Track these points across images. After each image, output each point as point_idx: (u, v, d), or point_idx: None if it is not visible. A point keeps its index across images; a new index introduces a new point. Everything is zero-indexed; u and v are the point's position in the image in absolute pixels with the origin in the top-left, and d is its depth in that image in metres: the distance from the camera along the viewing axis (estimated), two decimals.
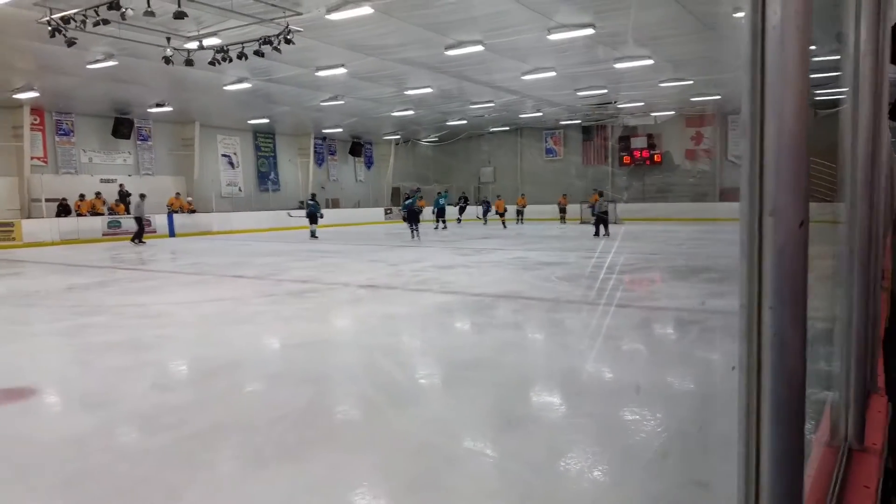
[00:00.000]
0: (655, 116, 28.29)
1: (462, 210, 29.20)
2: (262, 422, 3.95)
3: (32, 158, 20.88)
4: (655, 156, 29.38)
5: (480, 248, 16.15)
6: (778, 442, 0.91)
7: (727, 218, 24.06)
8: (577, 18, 13.28)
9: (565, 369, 5.11)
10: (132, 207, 20.13)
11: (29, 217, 20.25)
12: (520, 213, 28.32)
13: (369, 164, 35.72)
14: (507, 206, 26.82)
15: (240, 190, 28.47)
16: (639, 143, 29.68)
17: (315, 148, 31.35)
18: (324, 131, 30.72)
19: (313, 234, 21.00)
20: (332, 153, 33.30)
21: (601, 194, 21.25)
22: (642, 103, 25.50)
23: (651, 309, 7.68)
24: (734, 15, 12.82)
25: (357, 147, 34.03)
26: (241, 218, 25.23)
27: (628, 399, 4.32)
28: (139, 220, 19.84)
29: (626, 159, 30.03)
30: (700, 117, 28.03)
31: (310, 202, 22.18)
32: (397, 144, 35.56)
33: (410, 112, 25.63)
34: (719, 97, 24.31)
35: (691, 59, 17.39)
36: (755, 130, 0.88)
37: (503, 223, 25.89)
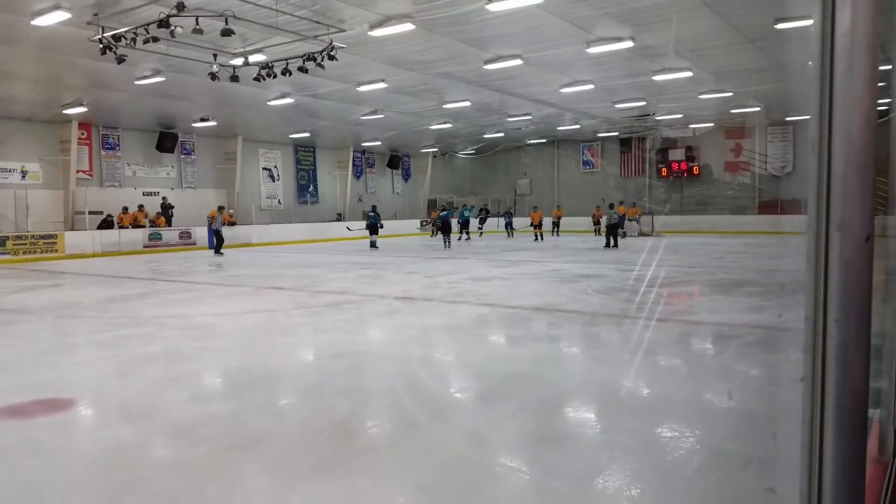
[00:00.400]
0: (694, 128, 27.87)
1: (483, 221, 28.98)
2: (301, 434, 3.97)
3: (78, 172, 21.57)
4: (694, 168, 28.92)
5: (516, 260, 16.07)
6: (841, 452, 0.94)
7: (767, 231, 23.51)
8: (617, 32, 13.19)
9: (604, 384, 5.02)
10: (215, 220, 20.79)
11: (72, 229, 20.88)
12: (556, 224, 28.07)
13: (406, 176, 36.00)
14: (543, 218, 26.51)
15: (279, 202, 28.98)
16: (677, 155, 29.26)
17: (354, 161, 31.77)
18: (363, 144, 31.11)
19: (373, 245, 21.70)
20: (371, 166, 33.69)
21: (611, 206, 22.05)
22: (681, 115, 25.15)
23: (691, 323, 7.51)
24: (776, 26, 12.56)
25: (395, 160, 34.37)
26: (280, 230, 25.64)
27: (667, 415, 4.22)
28: (218, 232, 20.61)
29: (665, 171, 29.62)
30: (740, 129, 27.51)
31: (371, 214, 22.82)
32: (435, 157, 35.77)
33: (448, 125, 25.77)
34: (759, 109, 23.81)
35: (732, 71, 17.10)
36: (823, 148, 0.91)
37: (538, 235, 25.56)
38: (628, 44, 13.73)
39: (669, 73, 16.90)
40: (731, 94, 20.16)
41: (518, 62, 15.25)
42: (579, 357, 6.23)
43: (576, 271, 13.03)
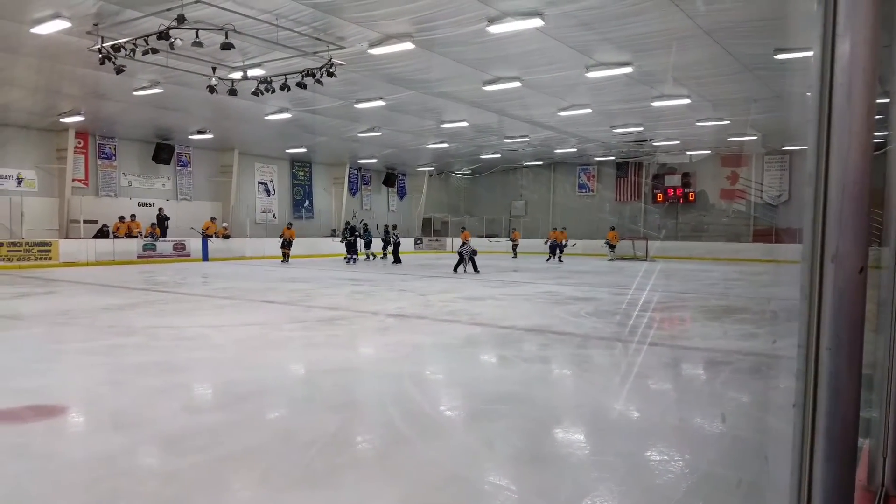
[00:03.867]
0: (691, 155, 28.12)
1: (368, 244, 25.44)
2: (291, 447, 3.94)
3: (74, 180, 21.59)
4: (690, 194, 29.16)
5: (510, 280, 16.09)
6: (830, 478, 0.95)
7: (762, 259, 23.64)
8: (616, 57, 13.37)
9: (594, 406, 5.02)
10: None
11: (67, 237, 20.83)
12: (555, 248, 25.44)
13: (402, 194, 36.12)
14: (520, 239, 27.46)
15: (274, 217, 28.98)
16: (674, 181, 29.49)
17: (350, 177, 31.88)
18: (359, 161, 31.24)
19: (387, 258, 23.70)
20: (367, 183, 33.80)
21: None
22: (678, 141, 25.41)
23: (683, 348, 7.53)
24: (775, 56, 12.76)
25: (391, 177, 34.50)
26: (275, 244, 25.62)
27: (657, 438, 4.22)
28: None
29: (660, 197, 29.84)
30: (736, 157, 27.78)
31: (390, 229, 24.61)
32: (431, 176, 35.96)
33: (446, 145, 25.93)
34: (756, 137, 24.09)
35: (730, 99, 17.33)
36: (819, 179, 0.93)
37: (514, 254, 26.58)
38: (627, 69, 13.91)
39: (668, 100, 17.11)
40: (728, 122, 20.41)
41: (517, 84, 15.41)
42: (570, 379, 6.23)
43: (569, 294, 13.05)
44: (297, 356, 7.03)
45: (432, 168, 34.71)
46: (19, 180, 20.58)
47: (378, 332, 8.66)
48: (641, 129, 22.31)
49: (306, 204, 30.61)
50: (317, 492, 3.29)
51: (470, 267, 18.16)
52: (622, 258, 25.77)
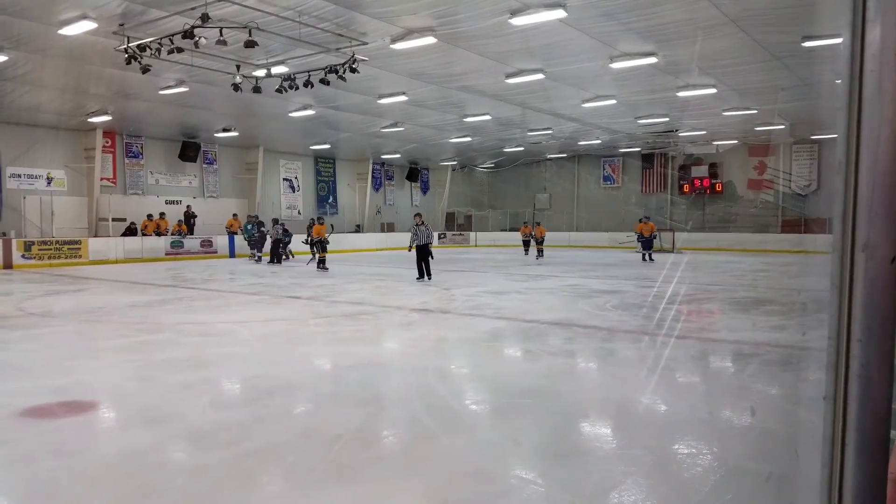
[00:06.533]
0: (717, 145, 27.67)
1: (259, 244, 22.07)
2: (317, 442, 3.98)
3: (102, 179, 22.01)
4: (717, 185, 28.71)
5: (535, 274, 16.02)
6: (862, 471, 0.93)
7: (790, 250, 23.19)
8: (641, 47, 13.19)
9: (620, 400, 4.98)
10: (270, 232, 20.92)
11: (96, 236, 21.26)
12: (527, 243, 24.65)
13: (425, 189, 36.17)
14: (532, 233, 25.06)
15: (299, 213, 29.22)
16: (700, 171, 29.07)
17: (373, 173, 32.01)
18: (382, 157, 31.35)
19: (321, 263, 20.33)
20: (390, 178, 33.92)
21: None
22: (704, 132, 25.02)
23: (710, 341, 7.43)
24: (803, 44, 12.48)
25: (414, 172, 34.56)
26: (299, 240, 25.85)
27: (685, 432, 4.17)
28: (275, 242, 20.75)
29: (687, 188, 29.43)
30: (764, 147, 27.27)
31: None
32: (454, 170, 35.92)
33: (468, 139, 25.88)
34: (784, 127, 23.61)
35: (757, 88, 17.00)
36: (850, 168, 0.91)
37: (536, 250, 23.69)
38: (652, 59, 13.72)
39: (693, 90, 16.85)
40: (755, 111, 20.04)
41: (540, 76, 15.30)
42: (596, 373, 6.19)
43: (594, 287, 12.96)
44: (323, 351, 7.10)
45: (455, 162, 34.67)
46: (49, 180, 21.05)
47: (402, 326, 8.69)
48: (667, 119, 22.01)
49: (330, 200, 30.83)
50: (343, 486, 3.31)
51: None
52: (660, 250, 24.53)
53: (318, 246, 17.88)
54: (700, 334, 7.92)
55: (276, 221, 21.43)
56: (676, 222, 28.41)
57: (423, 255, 14.13)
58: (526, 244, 24.35)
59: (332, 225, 19.54)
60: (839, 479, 0.94)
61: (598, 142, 27.59)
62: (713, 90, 16.81)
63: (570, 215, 33.73)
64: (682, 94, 17.25)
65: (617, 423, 4.48)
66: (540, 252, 23.19)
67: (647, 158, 30.56)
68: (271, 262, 20.56)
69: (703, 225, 28.75)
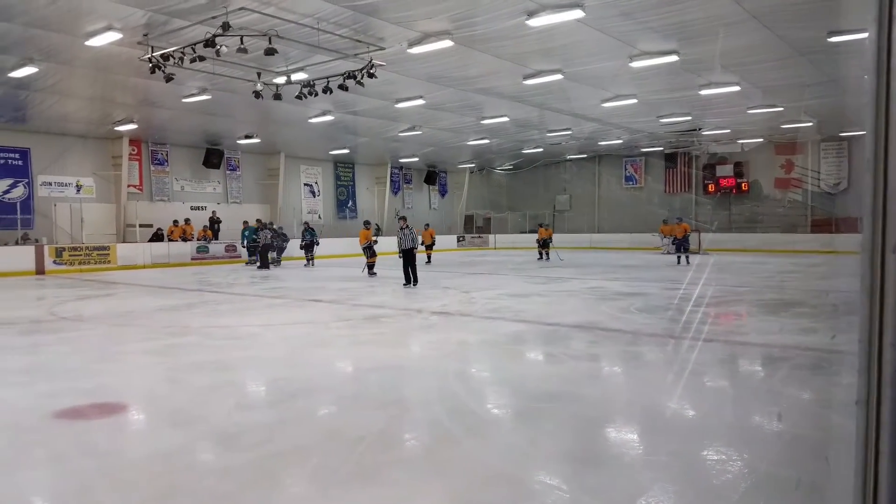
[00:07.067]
0: (742, 144, 27.26)
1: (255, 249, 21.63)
2: (340, 444, 4.00)
3: (129, 186, 22.40)
4: (743, 184, 28.29)
5: (556, 276, 15.93)
6: (895, 477, 0.91)
7: (820, 250, 22.75)
8: (661, 46, 13.06)
9: (646, 404, 4.92)
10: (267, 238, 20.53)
11: (124, 241, 21.66)
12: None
13: (443, 192, 36.20)
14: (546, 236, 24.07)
15: (319, 217, 29.45)
16: (725, 170, 28.67)
17: (391, 176, 32.13)
18: (400, 160, 31.46)
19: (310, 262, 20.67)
20: (408, 181, 34.02)
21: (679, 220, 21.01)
22: (728, 130, 24.68)
23: (738, 344, 7.31)
24: (829, 39, 12.25)
25: (432, 175, 34.61)
26: (320, 244, 26.01)
27: (714, 438, 4.10)
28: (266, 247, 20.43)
29: (712, 188, 29.04)
30: (791, 145, 26.81)
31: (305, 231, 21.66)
32: (472, 173, 35.88)
33: (486, 141, 25.85)
34: (811, 124, 23.19)
35: (782, 85, 16.72)
36: (879, 166, 0.88)
37: (544, 254, 23.17)
38: (673, 58, 13.58)
39: (716, 88, 16.64)
40: (781, 108, 19.72)
41: (558, 77, 15.23)
42: (620, 377, 6.12)
43: (617, 289, 12.84)
44: (345, 354, 7.13)
45: (473, 165, 34.63)
46: (78, 187, 21.48)
47: (422, 329, 8.70)
48: (690, 118, 21.75)
49: (350, 204, 31.02)
50: (366, 488, 3.32)
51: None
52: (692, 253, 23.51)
53: (367, 251, 16.75)
54: (727, 337, 7.81)
55: (264, 225, 20.98)
56: (701, 223, 28.04)
57: (409, 259, 13.76)
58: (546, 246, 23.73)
59: (378, 226, 18.71)
60: (873, 486, 0.92)
61: (620, 141, 27.37)
62: (736, 88, 16.58)
63: (592, 217, 33.50)
64: (704, 92, 17.04)
65: (643, 427, 4.42)
66: (545, 254, 23.04)
67: (670, 158, 30.22)
68: (260, 267, 20.18)
69: (730, 225, 28.34)
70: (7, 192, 19.81)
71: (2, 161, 19.72)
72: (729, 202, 28.91)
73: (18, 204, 19.91)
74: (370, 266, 16.65)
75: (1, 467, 3.73)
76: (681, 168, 30.07)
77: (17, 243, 19.16)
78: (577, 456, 3.79)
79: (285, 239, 21.27)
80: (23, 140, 19.98)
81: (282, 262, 21.32)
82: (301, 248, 21.34)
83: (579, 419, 4.51)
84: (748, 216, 28.09)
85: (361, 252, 17.10)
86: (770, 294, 11.90)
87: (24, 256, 18.33)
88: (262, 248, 20.36)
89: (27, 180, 20.19)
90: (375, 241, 17.23)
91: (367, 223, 17.89)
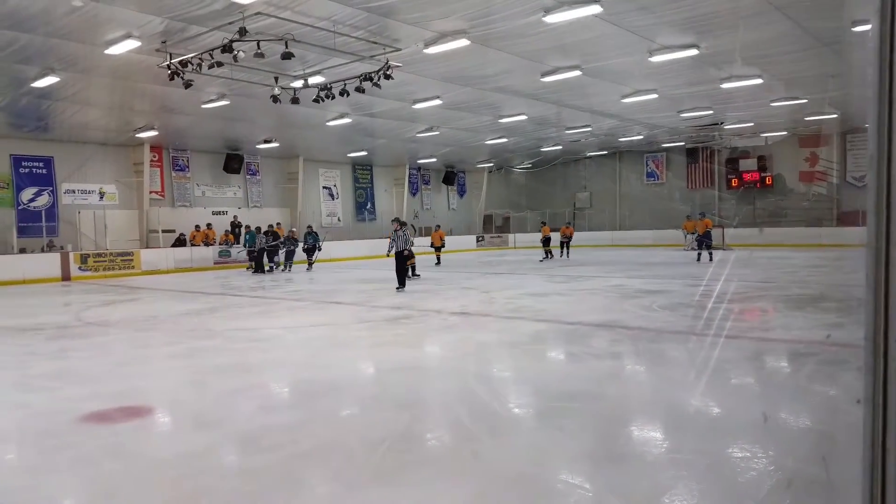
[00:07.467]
0: (766, 137, 26.84)
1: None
2: (362, 445, 4.00)
3: (151, 192, 22.75)
4: (766, 178, 27.87)
5: (576, 275, 15.83)
6: None
7: (846, 244, 22.32)
8: (681, 39, 12.92)
9: (669, 402, 4.85)
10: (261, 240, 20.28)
11: (147, 247, 21.98)
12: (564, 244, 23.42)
13: (462, 192, 36.17)
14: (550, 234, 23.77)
15: (339, 220, 29.62)
16: (748, 165, 28.26)
17: (410, 178, 32.19)
18: (418, 161, 31.51)
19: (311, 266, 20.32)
20: (426, 182, 34.05)
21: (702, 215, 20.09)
22: (751, 123, 24.33)
23: (763, 340, 7.19)
24: (853, 29, 12.00)
25: (450, 175, 34.60)
26: (340, 247, 26.16)
27: (738, 435, 4.03)
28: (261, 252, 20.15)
29: (735, 182, 28.65)
30: (815, 137, 26.34)
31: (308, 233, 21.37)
32: (490, 172, 35.80)
33: (504, 140, 25.78)
34: (836, 116, 22.76)
35: (805, 77, 16.44)
36: (882, 162, 0.85)
37: (564, 251, 23.09)
38: (693, 52, 13.42)
39: (738, 81, 16.42)
40: (804, 100, 19.38)
41: (577, 73, 15.13)
42: (643, 375, 6.05)
43: (639, 287, 12.71)
44: (365, 355, 7.15)
45: (491, 164, 34.55)
46: (101, 194, 21.86)
47: (443, 330, 8.69)
48: (711, 112, 21.47)
49: (368, 206, 31.14)
50: (389, 489, 3.32)
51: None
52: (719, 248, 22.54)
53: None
54: (752, 334, 7.68)
55: (258, 230, 20.59)
56: (724, 218, 27.67)
57: (402, 262, 13.50)
58: (562, 245, 23.26)
59: (413, 226, 17.19)
60: (881, 485, 0.88)
61: (640, 137, 27.12)
62: (759, 80, 16.33)
63: (613, 214, 33.24)
64: (725, 85, 16.82)
65: (666, 425, 4.36)
66: (548, 254, 22.76)
67: (691, 153, 29.88)
68: (255, 272, 19.87)
69: (754, 220, 27.94)
70: (32, 200, 20.23)
71: (26, 170, 20.14)
72: (752, 196, 28.51)
73: (43, 212, 20.33)
74: (412, 268, 15.69)
75: (31, 471, 3.80)
76: (703, 163, 29.71)
77: (42, 250, 19.54)
78: (600, 455, 3.75)
79: (294, 243, 21.08)
80: (46, 149, 20.38)
81: (292, 267, 20.81)
82: (304, 251, 21.22)
83: (601, 418, 4.46)
84: (772, 210, 27.68)
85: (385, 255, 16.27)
86: (796, 289, 11.69)
87: (50, 263, 18.68)
88: (259, 252, 20.13)
89: (51, 188, 20.60)
90: (412, 242, 16.34)
91: (403, 224, 17.07)
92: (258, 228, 20.85)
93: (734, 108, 20.88)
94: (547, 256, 22.74)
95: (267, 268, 20.26)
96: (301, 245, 21.08)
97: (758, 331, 7.97)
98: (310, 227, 22.86)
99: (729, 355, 6.36)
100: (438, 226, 24.87)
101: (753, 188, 28.31)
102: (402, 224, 13.91)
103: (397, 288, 13.26)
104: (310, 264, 20.51)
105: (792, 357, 6.41)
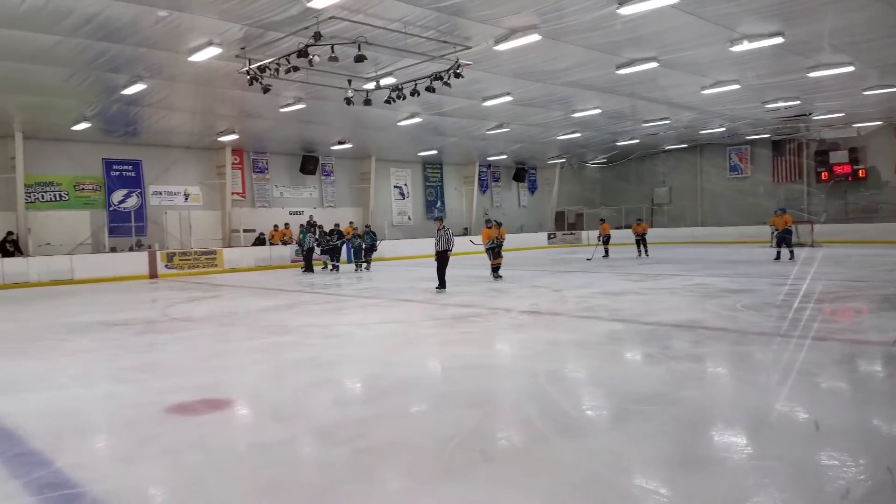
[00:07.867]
0: (858, 128, 25.16)
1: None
2: (431, 441, 4.02)
3: (233, 194, 23.77)
4: (859, 171, 26.13)
5: (654, 273, 15.35)
6: None
7: None
8: (764, 28, 12.28)
9: (752, 407, 4.61)
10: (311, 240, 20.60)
11: (229, 246, 22.99)
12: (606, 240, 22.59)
13: (533, 188, 35.78)
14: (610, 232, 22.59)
15: (409, 218, 29.98)
16: (839, 157, 26.58)
17: (479, 175, 32.13)
18: (488, 159, 31.39)
19: (368, 266, 20.33)
20: (496, 180, 33.88)
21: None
22: (842, 114, 22.86)
23: (855, 343, 6.74)
24: None
25: (521, 172, 34.29)
26: (410, 245, 26.42)
27: (826, 442, 3.80)
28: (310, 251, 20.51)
29: (825, 176, 27.01)
30: None
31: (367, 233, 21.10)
32: (562, 168, 35.19)
33: (577, 134, 25.32)
34: None
35: None
36: None
37: (644, 250, 21.94)
38: (777, 40, 12.73)
39: (826, 69, 15.46)
40: None
41: (653, 65, 14.65)
42: (724, 378, 5.79)
43: (722, 286, 12.20)
44: (435, 352, 7.19)
45: (564, 160, 33.96)
46: (186, 196, 23.03)
47: (512, 328, 8.62)
48: (798, 102, 20.31)
49: (438, 204, 31.33)
50: (458, 485, 3.32)
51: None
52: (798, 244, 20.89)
53: (490, 252, 15.46)
54: (843, 335, 7.22)
55: (312, 227, 20.45)
56: (812, 214, 26.14)
57: (442, 262, 13.27)
58: (637, 243, 22.25)
59: (498, 223, 16.53)
60: None
61: (722, 129, 26.00)
62: (850, 68, 15.31)
63: (694, 210, 32.02)
64: (813, 74, 15.87)
65: (748, 431, 4.15)
66: (605, 252, 22.16)
67: (777, 146, 28.37)
68: (305, 271, 20.06)
69: (846, 215, 26.26)
70: (122, 201, 21.53)
71: (117, 173, 21.44)
72: (843, 191, 26.79)
73: (132, 213, 21.60)
74: (495, 269, 15.34)
75: (120, 460, 4.04)
76: (789, 156, 28.14)
77: (131, 249, 20.78)
78: (677, 459, 3.62)
79: (341, 240, 20.82)
80: (135, 153, 21.63)
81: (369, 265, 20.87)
82: (362, 249, 21.19)
83: (679, 421, 4.30)
84: (865, 205, 25.90)
85: (484, 253, 15.92)
86: (891, 289, 10.90)
87: (138, 261, 19.83)
88: (306, 251, 20.46)
89: (139, 190, 21.85)
90: (500, 241, 15.68)
91: (488, 222, 16.24)
92: (311, 226, 21.25)
93: (823, 97, 19.68)
94: (604, 255, 21.96)
95: (330, 266, 20.52)
96: (359, 242, 20.67)
97: (849, 332, 7.48)
98: (367, 226, 23.18)
99: (817, 358, 6.00)
100: (500, 223, 24.02)
101: (844, 181, 26.59)
102: (442, 222, 13.91)
103: (437, 288, 12.97)
104: (368, 263, 20.60)
105: (886, 360, 5.98)
